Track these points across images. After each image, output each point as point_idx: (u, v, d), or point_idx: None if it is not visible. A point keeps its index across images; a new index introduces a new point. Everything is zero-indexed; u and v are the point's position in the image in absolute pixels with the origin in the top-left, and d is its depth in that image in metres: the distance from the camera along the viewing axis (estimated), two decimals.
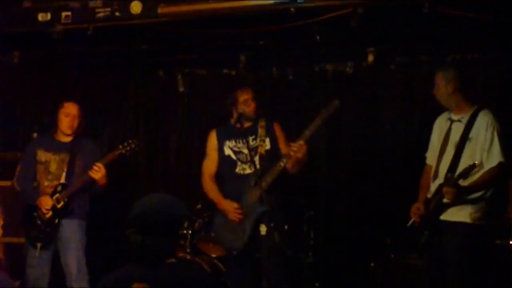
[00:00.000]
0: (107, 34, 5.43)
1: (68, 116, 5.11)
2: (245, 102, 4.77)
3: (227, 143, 4.82)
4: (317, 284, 5.70)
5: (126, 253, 2.75)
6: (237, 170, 4.76)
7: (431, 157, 4.61)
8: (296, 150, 4.51)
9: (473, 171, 4.24)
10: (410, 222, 4.47)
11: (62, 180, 5.04)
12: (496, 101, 5.42)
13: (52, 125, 5.20)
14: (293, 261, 5.45)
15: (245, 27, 5.27)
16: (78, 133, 5.18)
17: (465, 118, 4.41)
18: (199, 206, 5.47)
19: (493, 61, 5.63)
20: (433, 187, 4.44)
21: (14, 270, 5.21)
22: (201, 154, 5.02)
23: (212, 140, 4.89)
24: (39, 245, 4.95)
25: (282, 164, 4.59)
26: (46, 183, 5.06)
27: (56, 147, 5.13)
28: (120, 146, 5.07)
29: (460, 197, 4.26)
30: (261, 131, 4.77)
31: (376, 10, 4.87)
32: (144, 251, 2.67)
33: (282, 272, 4.61)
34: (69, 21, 5.31)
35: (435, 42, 5.55)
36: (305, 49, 5.81)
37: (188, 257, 5.27)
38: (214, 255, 5.39)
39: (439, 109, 4.62)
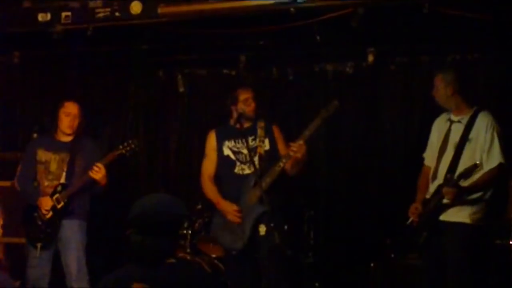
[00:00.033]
0: (107, 34, 5.43)
1: (69, 116, 5.11)
2: (246, 101, 4.77)
3: (226, 143, 4.81)
4: (317, 284, 5.70)
5: (126, 253, 2.75)
6: (236, 170, 4.76)
7: (429, 158, 4.61)
8: (296, 150, 4.51)
9: (475, 171, 4.24)
10: (409, 221, 4.48)
11: (62, 180, 5.04)
12: (496, 101, 5.43)
13: (52, 125, 5.21)
14: (293, 261, 5.45)
15: (245, 27, 5.26)
16: (78, 133, 5.17)
17: (465, 119, 4.41)
18: (199, 206, 5.47)
19: (493, 61, 5.63)
20: (432, 187, 4.44)
21: (15, 270, 5.20)
22: (201, 154, 5.02)
23: (211, 140, 4.89)
24: (39, 245, 4.95)
25: (281, 164, 4.59)
26: (46, 183, 5.06)
27: (56, 146, 5.13)
28: (120, 146, 5.07)
29: (460, 198, 4.26)
30: (260, 132, 4.77)
31: (376, 10, 4.87)
32: (144, 251, 2.67)
33: (281, 272, 4.61)
34: (69, 21, 5.31)
35: (435, 42, 5.55)
36: (305, 49, 5.81)
37: (188, 257, 5.27)
38: (214, 255, 5.39)
39: (439, 109, 4.62)
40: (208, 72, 6.45)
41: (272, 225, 4.36)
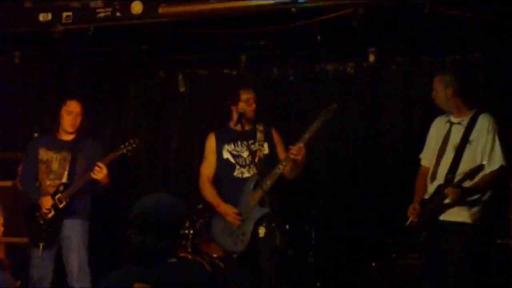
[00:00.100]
0: (108, 34, 5.43)
1: (71, 114, 5.11)
2: (247, 101, 4.76)
3: (226, 146, 4.80)
4: (318, 284, 5.71)
5: (127, 253, 2.75)
6: (235, 173, 4.75)
7: (427, 159, 4.61)
8: (295, 153, 4.51)
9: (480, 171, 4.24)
10: (408, 221, 4.48)
11: (64, 179, 5.04)
12: (496, 102, 5.43)
13: (54, 124, 5.21)
14: (294, 261, 5.45)
15: (246, 27, 5.26)
16: (80, 132, 5.18)
17: (465, 121, 4.41)
18: (200, 206, 5.47)
19: (493, 61, 5.64)
20: (431, 188, 4.44)
21: (16, 270, 5.20)
22: (202, 154, 5.02)
23: (211, 143, 4.88)
24: (41, 245, 4.95)
25: (281, 167, 4.59)
26: (48, 182, 5.06)
27: (57, 145, 5.13)
28: (122, 146, 5.07)
29: (463, 198, 4.26)
30: (259, 136, 4.76)
31: (377, 10, 4.87)
32: (145, 251, 2.67)
33: (282, 274, 4.61)
34: (70, 21, 5.30)
35: (436, 42, 5.55)
36: (306, 49, 5.81)
37: (189, 257, 5.27)
38: (215, 255, 5.39)
39: (440, 109, 4.62)
40: (209, 72, 6.45)
41: (273, 225, 4.36)
